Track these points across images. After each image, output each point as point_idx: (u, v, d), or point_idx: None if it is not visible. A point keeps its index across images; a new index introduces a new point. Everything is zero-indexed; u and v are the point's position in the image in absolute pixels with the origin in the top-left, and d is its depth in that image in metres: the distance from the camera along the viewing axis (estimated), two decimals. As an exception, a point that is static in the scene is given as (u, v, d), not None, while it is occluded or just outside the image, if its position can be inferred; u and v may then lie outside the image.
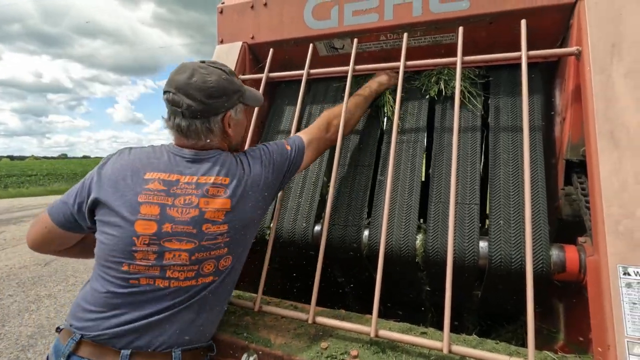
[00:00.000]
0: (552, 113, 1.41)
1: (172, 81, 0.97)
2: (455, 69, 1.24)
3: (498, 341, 1.03)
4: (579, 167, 1.18)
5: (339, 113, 1.30)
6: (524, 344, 1.02)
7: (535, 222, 1.09)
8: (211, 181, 0.94)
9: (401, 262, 1.24)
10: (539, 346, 0.95)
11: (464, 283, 1.23)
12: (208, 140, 1.01)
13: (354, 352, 1.01)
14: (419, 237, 1.23)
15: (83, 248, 1.11)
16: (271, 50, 1.57)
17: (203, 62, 1.02)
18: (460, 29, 1.26)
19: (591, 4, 1.11)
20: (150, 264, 0.89)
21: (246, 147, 1.43)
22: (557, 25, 1.29)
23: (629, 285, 0.83)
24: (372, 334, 1.02)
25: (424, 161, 1.42)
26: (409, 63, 1.32)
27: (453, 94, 1.30)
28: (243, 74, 1.65)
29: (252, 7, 1.67)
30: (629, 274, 0.84)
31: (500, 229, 1.14)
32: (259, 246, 1.45)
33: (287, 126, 1.67)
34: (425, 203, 1.29)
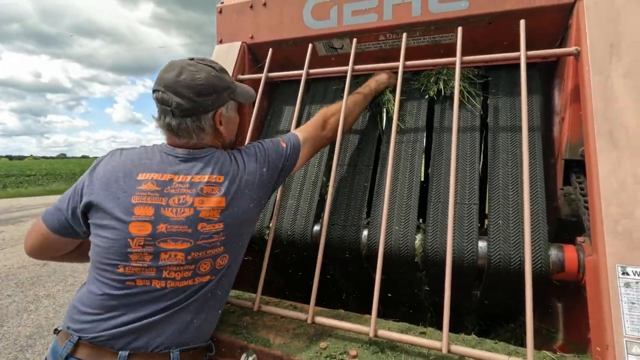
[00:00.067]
0: (551, 113, 1.41)
1: (161, 79, 0.96)
2: (454, 69, 1.25)
3: (497, 341, 1.03)
4: (577, 167, 1.18)
5: (335, 111, 1.30)
6: (522, 344, 1.02)
7: (534, 222, 1.09)
8: (205, 180, 0.94)
9: (400, 262, 1.24)
10: (537, 346, 0.95)
11: (463, 283, 1.24)
12: (200, 139, 1.00)
13: (353, 352, 1.01)
14: (418, 237, 1.23)
15: (81, 253, 1.10)
16: (270, 50, 1.56)
17: (192, 59, 1.00)
18: (460, 29, 1.27)
19: (590, 4, 1.11)
20: (146, 265, 0.89)
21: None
22: (556, 26, 1.29)
23: (627, 285, 0.83)
24: (371, 334, 1.02)
25: (423, 161, 1.42)
26: (408, 63, 1.32)
27: (452, 93, 1.30)
28: (242, 74, 1.65)
29: (251, 7, 1.66)
30: (627, 274, 0.84)
31: (499, 228, 1.14)
32: (258, 246, 1.45)
33: (286, 126, 1.67)
34: (425, 203, 1.29)
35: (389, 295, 1.42)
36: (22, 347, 2.85)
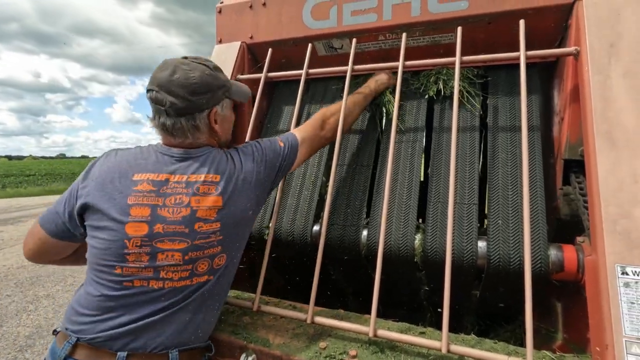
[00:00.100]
0: (551, 113, 1.41)
1: (155, 79, 0.95)
2: (454, 68, 1.25)
3: (496, 341, 1.03)
4: (577, 167, 1.18)
5: (335, 111, 1.29)
6: (522, 344, 1.02)
7: (533, 221, 1.09)
8: (201, 179, 0.93)
9: (400, 262, 1.24)
10: (537, 346, 0.95)
11: (463, 283, 1.24)
12: (195, 138, 0.99)
13: (352, 352, 1.01)
14: (418, 237, 1.23)
15: (80, 256, 1.09)
16: (270, 50, 1.56)
17: (186, 57, 1.00)
18: (459, 29, 1.27)
19: (589, 4, 1.11)
20: (143, 265, 0.88)
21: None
22: (555, 26, 1.29)
23: (627, 284, 0.83)
24: (371, 334, 1.02)
25: (423, 161, 1.42)
26: (408, 63, 1.32)
27: (452, 93, 1.30)
28: (242, 74, 1.65)
29: (250, 7, 1.66)
30: (627, 274, 0.84)
31: (499, 228, 1.14)
32: (257, 246, 1.45)
33: (285, 126, 1.67)
34: (424, 203, 1.29)
35: (389, 295, 1.42)
36: (22, 347, 2.84)
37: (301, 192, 1.47)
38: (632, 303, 0.82)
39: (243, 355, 1.05)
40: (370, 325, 1.03)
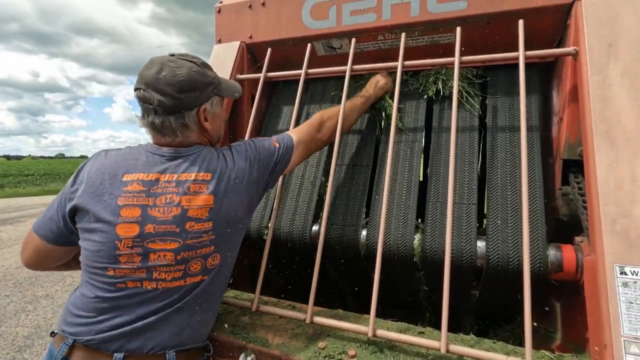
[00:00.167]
0: (550, 113, 1.42)
1: (142, 77, 0.94)
2: (453, 69, 1.25)
3: (495, 340, 1.03)
4: (576, 167, 1.19)
5: (333, 114, 1.28)
6: (521, 344, 1.02)
7: (532, 221, 1.09)
8: (192, 178, 0.92)
9: (399, 262, 1.24)
10: (536, 345, 0.95)
11: (462, 283, 1.24)
12: (185, 136, 0.98)
13: (351, 352, 1.01)
14: (417, 237, 1.23)
15: (78, 261, 1.09)
16: (269, 50, 1.56)
17: (173, 55, 0.98)
18: (458, 29, 1.27)
19: (588, 4, 1.12)
20: (135, 266, 0.88)
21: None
22: (554, 26, 1.29)
23: (625, 284, 0.84)
24: (370, 334, 1.02)
25: (422, 161, 1.42)
26: (407, 63, 1.32)
27: (451, 93, 1.30)
28: (241, 74, 1.65)
29: (250, 6, 1.66)
30: (625, 274, 0.84)
31: (498, 228, 1.15)
32: (257, 246, 1.45)
33: (285, 126, 1.67)
34: (423, 203, 1.29)
35: (388, 295, 1.42)
36: (20, 348, 2.84)
37: (300, 192, 1.47)
38: (631, 303, 0.82)
39: (242, 355, 1.05)
40: (369, 325, 1.03)
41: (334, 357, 1.00)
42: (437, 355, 0.98)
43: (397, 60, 1.32)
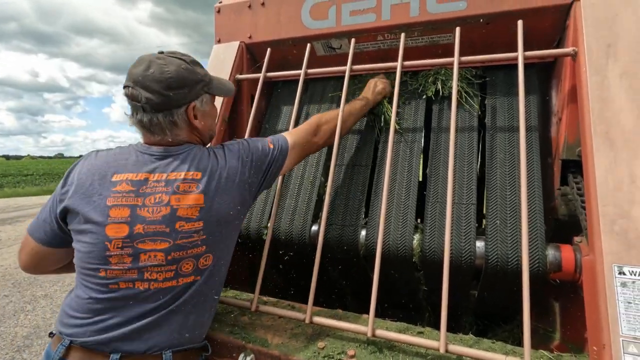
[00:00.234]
0: (549, 113, 1.42)
1: (130, 75, 0.94)
2: (452, 69, 1.25)
3: (494, 340, 1.03)
4: (575, 167, 1.19)
5: (330, 118, 1.27)
6: (520, 344, 1.02)
7: (531, 222, 1.10)
8: (181, 177, 0.91)
9: (398, 262, 1.24)
10: (535, 345, 0.95)
11: (461, 283, 1.24)
12: (174, 135, 0.97)
13: (351, 352, 1.01)
14: (416, 237, 1.23)
15: None
16: (269, 50, 1.56)
17: (162, 52, 0.98)
18: (458, 29, 1.27)
19: (587, 4, 1.12)
20: (126, 267, 0.87)
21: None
22: (553, 26, 1.29)
23: (624, 284, 0.84)
24: (369, 334, 1.02)
25: (421, 161, 1.42)
26: (407, 63, 1.33)
27: (450, 94, 1.30)
28: (240, 74, 1.65)
29: (249, 6, 1.66)
30: (624, 274, 0.84)
31: (497, 228, 1.15)
32: (256, 246, 1.45)
33: (284, 126, 1.67)
34: (423, 203, 1.29)
35: (387, 295, 1.42)
36: (19, 348, 2.84)
37: (300, 192, 1.47)
38: (629, 303, 0.82)
39: (241, 355, 1.05)
40: (368, 325, 1.03)
41: (333, 357, 1.00)
42: (436, 355, 0.99)
43: (396, 60, 1.32)
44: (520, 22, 1.20)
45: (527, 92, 1.27)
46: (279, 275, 1.69)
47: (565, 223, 1.19)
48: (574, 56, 1.13)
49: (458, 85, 1.25)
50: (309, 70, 1.46)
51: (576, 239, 1.08)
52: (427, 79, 1.50)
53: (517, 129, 1.24)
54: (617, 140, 0.95)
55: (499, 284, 1.17)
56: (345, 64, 1.38)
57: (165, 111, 0.94)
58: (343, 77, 1.37)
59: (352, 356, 1.00)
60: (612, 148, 0.95)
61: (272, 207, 1.35)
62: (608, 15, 1.08)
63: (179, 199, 0.90)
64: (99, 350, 0.87)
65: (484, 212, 1.29)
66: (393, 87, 1.32)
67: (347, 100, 1.34)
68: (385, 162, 1.23)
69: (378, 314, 1.07)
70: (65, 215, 0.94)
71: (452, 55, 1.25)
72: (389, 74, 1.55)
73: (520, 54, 1.16)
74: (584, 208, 1.04)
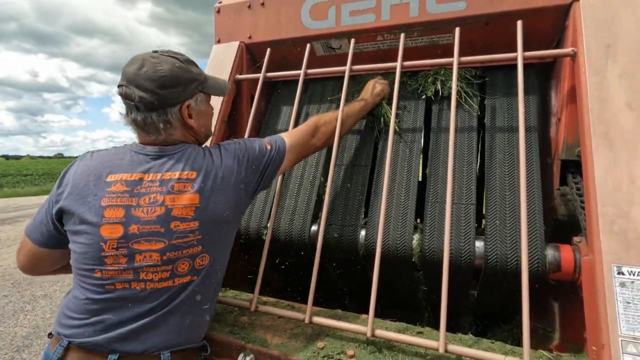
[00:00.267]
0: (548, 114, 1.42)
1: (124, 74, 0.93)
2: (452, 69, 1.25)
3: (494, 340, 1.03)
4: (574, 167, 1.19)
5: (329, 120, 1.27)
6: (519, 344, 1.02)
7: (530, 222, 1.10)
8: (176, 177, 0.91)
9: (398, 262, 1.25)
10: (534, 345, 0.95)
11: (460, 283, 1.24)
12: (169, 134, 0.97)
13: (350, 352, 1.01)
14: (416, 237, 1.23)
15: None
16: (268, 50, 1.56)
17: (156, 51, 0.98)
18: (457, 29, 1.27)
19: (587, 5, 1.12)
20: (122, 267, 0.87)
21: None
22: (553, 27, 1.29)
23: (623, 284, 0.84)
24: (369, 334, 1.02)
25: (421, 161, 1.42)
26: (406, 63, 1.33)
27: (450, 94, 1.30)
28: (240, 74, 1.65)
29: (249, 6, 1.66)
30: (623, 274, 0.85)
31: (496, 228, 1.15)
32: (256, 246, 1.45)
33: (284, 126, 1.67)
34: (422, 203, 1.29)
35: (387, 295, 1.42)
36: (19, 348, 2.83)
37: (299, 192, 1.47)
38: (628, 303, 0.82)
39: (241, 355, 1.05)
40: (368, 325, 1.03)
41: (332, 357, 1.00)
42: (435, 355, 0.99)
43: (396, 60, 1.32)
44: (519, 23, 1.20)
45: (527, 93, 1.27)
46: (278, 275, 1.69)
47: (564, 223, 1.19)
48: (574, 56, 1.13)
49: (457, 86, 1.25)
50: (309, 71, 1.46)
51: (575, 239, 1.08)
52: (426, 79, 1.50)
53: (517, 129, 1.24)
54: (616, 140, 0.95)
55: (499, 284, 1.17)
56: (345, 64, 1.38)
57: (159, 110, 0.94)
58: (343, 77, 1.37)
59: (352, 356, 1.00)
60: (611, 148, 0.95)
61: (271, 207, 1.35)
62: (607, 16, 1.08)
63: (174, 198, 0.89)
64: (97, 351, 0.87)
65: (484, 212, 1.29)
66: (392, 87, 1.32)
67: (346, 101, 1.34)
68: (384, 162, 1.23)
69: (377, 314, 1.07)
70: (61, 216, 0.94)
71: (451, 55, 1.25)
72: (389, 74, 1.55)
73: (519, 55, 1.16)
74: (583, 208, 1.04)
